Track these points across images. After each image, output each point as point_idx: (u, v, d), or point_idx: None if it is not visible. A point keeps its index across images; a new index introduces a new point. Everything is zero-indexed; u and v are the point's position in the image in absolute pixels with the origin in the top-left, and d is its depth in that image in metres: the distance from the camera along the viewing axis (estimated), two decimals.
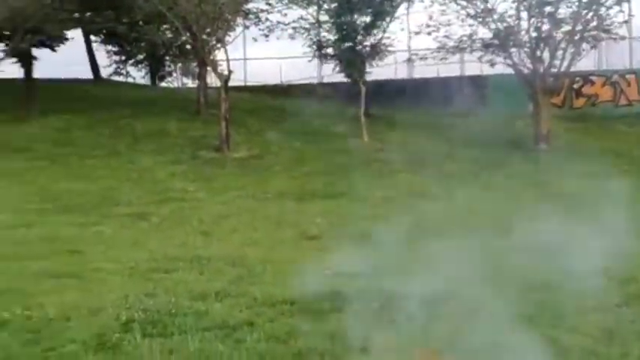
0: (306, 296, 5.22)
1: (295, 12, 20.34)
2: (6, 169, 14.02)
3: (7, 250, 7.63)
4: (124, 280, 6.20)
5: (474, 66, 22.83)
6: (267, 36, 20.80)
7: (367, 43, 18.91)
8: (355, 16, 18.61)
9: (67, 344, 4.24)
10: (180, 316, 4.81)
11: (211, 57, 18.86)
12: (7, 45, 20.09)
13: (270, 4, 20.11)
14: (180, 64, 31.64)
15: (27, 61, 22.01)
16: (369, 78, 19.29)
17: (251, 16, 19.97)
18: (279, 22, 20.53)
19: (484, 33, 19.01)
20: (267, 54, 26.44)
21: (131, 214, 10.37)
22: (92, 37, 27.70)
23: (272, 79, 26.46)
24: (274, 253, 7.43)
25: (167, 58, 30.25)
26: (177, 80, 33.49)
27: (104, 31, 25.32)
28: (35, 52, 22.49)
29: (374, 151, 16.11)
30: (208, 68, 20.41)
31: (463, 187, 11.16)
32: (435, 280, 5.52)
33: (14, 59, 22.27)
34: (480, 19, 18.60)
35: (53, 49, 24.60)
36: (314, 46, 19.96)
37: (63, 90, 22.85)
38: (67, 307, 5.11)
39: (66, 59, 27.96)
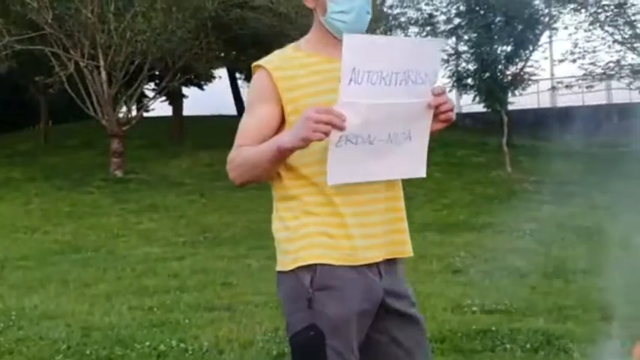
0: (455, 334, 5.11)
1: None
2: (159, 203, 14.75)
3: (160, 282, 7.95)
4: (273, 313, 6.27)
5: (623, 93, 21.92)
6: None
7: (509, 72, 18.57)
8: (496, 46, 18.34)
9: None
10: None
11: None
12: (157, 84, 21.22)
13: (407, 36, 20.22)
14: None
15: (176, 99, 23.17)
16: (511, 107, 18.90)
17: None
18: None
19: (633, 59, 18.23)
20: None
21: None
22: (237, 75, 28.83)
23: None
24: (420, 287, 7.33)
25: None
26: None
27: (248, 69, 26.20)
28: (183, 90, 23.65)
29: (518, 182, 15.70)
30: None
31: (616, 221, 10.64)
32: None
33: (163, 98, 23.54)
34: (629, 45, 17.86)
35: (201, 88, 25.83)
36: (453, 77, 19.83)
37: (210, 126, 23.81)
38: (220, 340, 5.24)
39: (207, 95, 29.24)
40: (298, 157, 2.18)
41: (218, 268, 8.85)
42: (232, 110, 29.20)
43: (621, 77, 18.98)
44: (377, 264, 2.25)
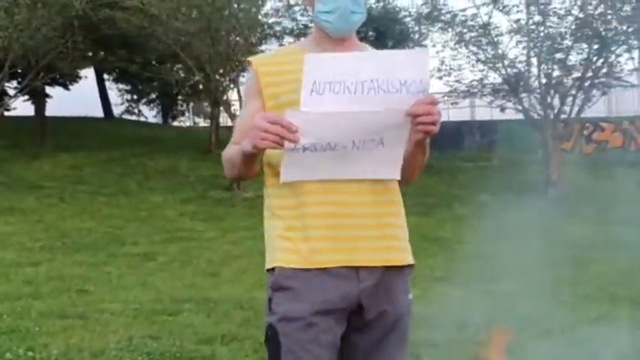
0: None
1: None
2: (16, 207, 14.05)
3: (13, 289, 7.56)
4: (129, 321, 6.11)
5: (485, 111, 22.94)
6: None
7: None
8: None
9: None
10: None
11: (224, 97, 18.97)
12: (19, 83, 20.31)
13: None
14: (192, 104, 31.95)
15: (39, 98, 22.23)
16: None
17: None
18: None
19: (494, 78, 19.07)
20: None
21: (139, 254, 10.29)
22: (105, 76, 28.00)
23: None
24: None
25: (179, 97, 30.54)
26: (189, 119, 33.80)
27: (117, 70, 25.56)
28: (47, 89, 22.73)
29: None
30: (221, 108, 20.55)
31: (473, 231, 11.08)
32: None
33: (26, 97, 22.54)
34: (491, 65, 18.67)
35: (66, 88, 24.92)
36: None
37: (74, 127, 23.01)
38: (70, 348, 5.04)
39: (74, 96, 28.29)
40: (275, 155, 2.13)
41: (75, 274, 8.52)
42: (100, 112, 28.34)
43: (483, 95, 19.80)
44: (356, 268, 2.16)
